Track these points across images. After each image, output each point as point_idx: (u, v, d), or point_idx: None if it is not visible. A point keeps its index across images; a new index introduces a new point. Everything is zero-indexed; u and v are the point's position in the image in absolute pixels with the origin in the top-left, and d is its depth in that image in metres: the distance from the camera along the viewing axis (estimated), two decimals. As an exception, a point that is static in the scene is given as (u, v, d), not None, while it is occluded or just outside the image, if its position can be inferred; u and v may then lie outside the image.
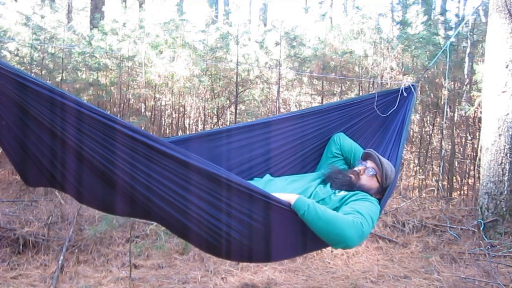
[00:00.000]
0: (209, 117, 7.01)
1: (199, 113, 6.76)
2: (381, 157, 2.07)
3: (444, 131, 6.09)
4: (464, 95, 5.43)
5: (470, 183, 5.83)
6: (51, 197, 4.76)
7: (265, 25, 11.77)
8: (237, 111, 6.34)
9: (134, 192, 1.60)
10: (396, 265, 3.80)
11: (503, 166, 4.30)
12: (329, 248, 3.60)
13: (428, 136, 6.40)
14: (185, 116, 6.78)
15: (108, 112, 1.82)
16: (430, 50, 5.77)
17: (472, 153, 6.09)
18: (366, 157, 2.13)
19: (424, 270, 3.69)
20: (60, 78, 5.81)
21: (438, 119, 6.37)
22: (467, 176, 5.96)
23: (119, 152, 1.56)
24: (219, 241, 1.65)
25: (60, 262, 3.48)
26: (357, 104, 2.36)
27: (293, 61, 6.64)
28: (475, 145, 5.84)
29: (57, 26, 6.95)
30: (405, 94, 2.40)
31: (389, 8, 7.60)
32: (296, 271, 3.61)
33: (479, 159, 4.85)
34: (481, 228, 4.31)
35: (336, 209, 1.83)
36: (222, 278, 3.45)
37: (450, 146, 5.96)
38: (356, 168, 2.08)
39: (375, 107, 2.38)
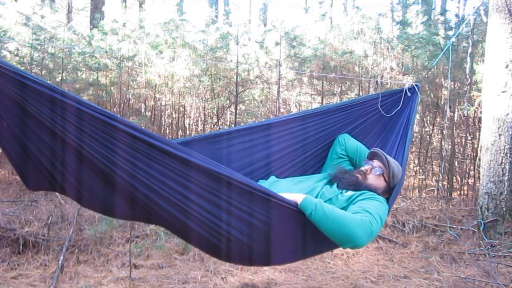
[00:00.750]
0: (209, 117, 7.01)
1: (199, 113, 6.76)
2: (387, 156, 2.06)
3: (444, 131, 6.08)
4: (466, 95, 5.42)
5: (470, 183, 5.83)
6: (51, 197, 4.76)
7: (265, 25, 11.75)
8: (237, 111, 6.34)
9: (135, 192, 1.60)
10: (396, 265, 3.80)
11: (503, 166, 4.30)
12: (329, 248, 3.59)
13: (428, 136, 6.40)
14: (185, 116, 6.77)
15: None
16: (430, 50, 5.76)
17: (472, 153, 6.09)
18: (372, 156, 2.12)
19: (424, 270, 3.69)
20: (60, 78, 5.81)
21: (438, 119, 6.37)
22: (467, 176, 5.96)
23: (120, 151, 1.55)
24: (219, 239, 1.64)
25: (60, 262, 3.48)
26: (361, 105, 2.35)
27: (293, 61, 6.63)
28: (475, 145, 5.84)
29: (57, 26, 6.96)
30: (409, 94, 2.39)
31: (389, 8, 7.57)
32: (296, 271, 3.60)
33: (479, 159, 4.85)
34: (481, 228, 4.31)
35: (344, 209, 1.80)
36: (222, 278, 3.45)
37: (450, 146, 5.96)
38: (362, 168, 2.06)
39: (379, 107, 2.38)
